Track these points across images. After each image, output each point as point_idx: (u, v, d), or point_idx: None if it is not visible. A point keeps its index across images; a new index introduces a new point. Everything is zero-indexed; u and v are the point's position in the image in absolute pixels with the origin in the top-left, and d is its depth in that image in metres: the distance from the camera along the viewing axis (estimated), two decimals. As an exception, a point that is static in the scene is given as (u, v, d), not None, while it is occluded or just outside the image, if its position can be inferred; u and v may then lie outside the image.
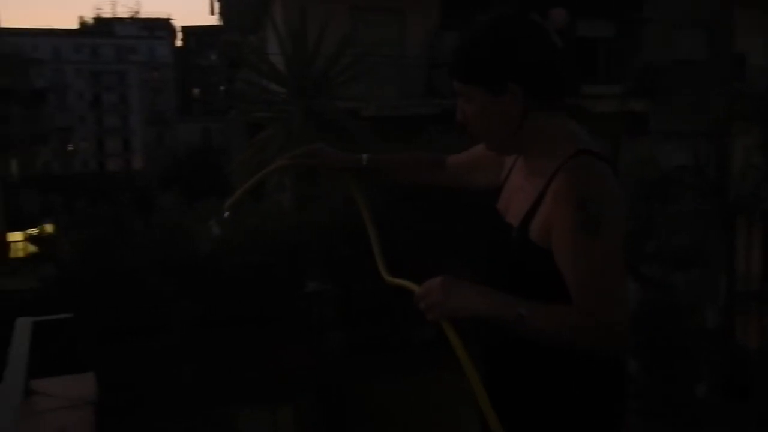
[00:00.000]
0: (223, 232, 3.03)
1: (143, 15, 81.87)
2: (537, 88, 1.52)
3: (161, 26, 77.49)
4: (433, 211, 3.60)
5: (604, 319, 1.40)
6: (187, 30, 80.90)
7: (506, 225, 1.61)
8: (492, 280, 1.56)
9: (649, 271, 4.13)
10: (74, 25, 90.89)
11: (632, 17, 13.98)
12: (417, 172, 2.08)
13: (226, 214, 1.97)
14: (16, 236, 43.73)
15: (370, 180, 2.11)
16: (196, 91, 77.56)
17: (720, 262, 7.05)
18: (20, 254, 43.48)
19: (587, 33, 13.65)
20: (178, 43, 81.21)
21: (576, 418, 1.54)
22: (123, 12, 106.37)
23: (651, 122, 13.37)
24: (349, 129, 4.39)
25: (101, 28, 75.39)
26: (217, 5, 17.40)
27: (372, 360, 3.63)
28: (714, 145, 8.62)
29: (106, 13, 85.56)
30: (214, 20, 19.36)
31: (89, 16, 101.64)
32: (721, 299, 7.45)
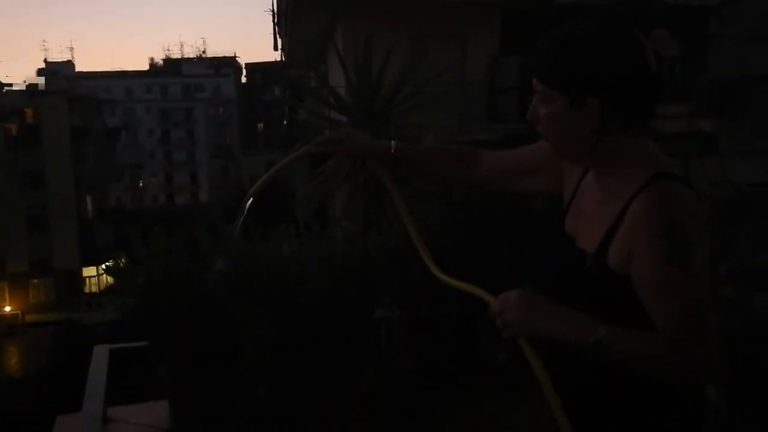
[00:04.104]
0: (239, 234, 3.07)
1: (209, 54, 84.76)
2: (619, 108, 1.43)
3: (227, 64, 79.92)
4: (507, 234, 3.56)
5: (694, 351, 1.34)
6: (251, 67, 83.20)
7: (578, 250, 1.53)
8: (567, 306, 1.49)
9: (727, 292, 3.98)
10: (145, 66, 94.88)
11: (698, 35, 13.67)
12: (449, 165, 1.94)
13: (249, 201, 1.89)
14: (90, 271, 45.28)
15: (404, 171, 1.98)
16: (260, 125, 79.46)
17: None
18: (94, 289, 45.04)
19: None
20: (243, 79, 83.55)
21: None
22: (190, 52, 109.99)
23: (721, 140, 12.99)
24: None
25: (170, 68, 78.28)
26: (280, 41, 17.84)
27: (443, 385, 3.59)
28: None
29: (175, 54, 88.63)
30: (277, 56, 19.85)
31: (159, 57, 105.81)
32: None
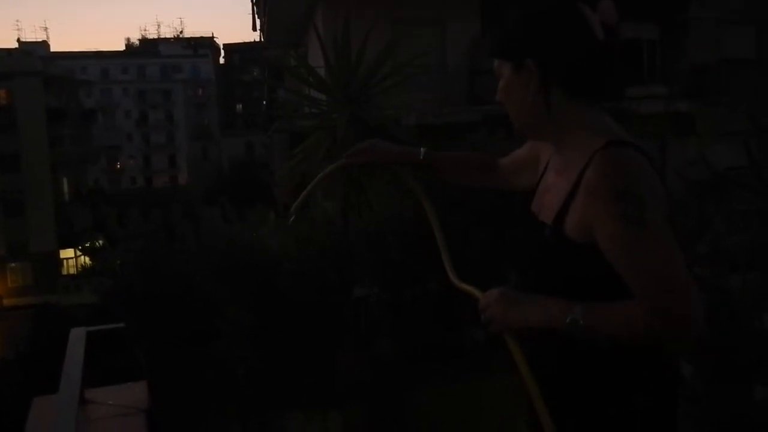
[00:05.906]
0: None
1: (187, 34, 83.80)
2: (561, 73, 1.48)
3: (205, 44, 78.97)
4: (484, 217, 3.57)
5: (671, 309, 1.32)
6: (229, 47, 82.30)
7: (540, 224, 1.56)
8: (534, 281, 1.52)
9: (703, 272, 4.02)
10: (121, 46, 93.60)
11: (676, 18, 13.72)
12: (470, 171, 2.03)
13: (292, 218, 2.00)
14: (68, 253, 44.84)
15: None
16: (238, 106, 78.75)
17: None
18: (72, 271, 44.60)
19: (631, 35, 13.47)
20: (221, 60, 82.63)
21: (630, 423, 1.48)
22: (168, 32, 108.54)
23: (698, 122, 13.08)
24: (396, 136, 4.41)
25: (147, 48, 77.22)
26: (259, 21, 17.66)
27: (422, 366, 3.61)
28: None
29: (152, 34, 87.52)
30: (255, 36, 19.64)
31: (135, 37, 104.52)
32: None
